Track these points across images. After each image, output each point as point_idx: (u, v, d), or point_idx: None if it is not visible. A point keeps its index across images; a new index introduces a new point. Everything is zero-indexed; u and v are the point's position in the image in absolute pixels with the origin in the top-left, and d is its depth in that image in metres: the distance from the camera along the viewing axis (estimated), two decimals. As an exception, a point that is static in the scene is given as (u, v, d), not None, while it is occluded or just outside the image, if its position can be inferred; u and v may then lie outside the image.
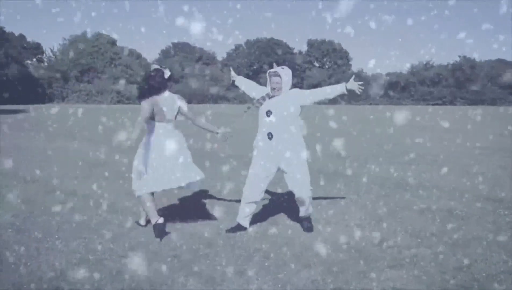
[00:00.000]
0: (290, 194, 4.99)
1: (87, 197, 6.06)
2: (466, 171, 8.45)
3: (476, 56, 71.94)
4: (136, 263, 3.77)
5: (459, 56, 66.90)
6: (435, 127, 19.71)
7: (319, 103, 4.82)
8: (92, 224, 4.92)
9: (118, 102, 55.54)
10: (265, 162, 4.71)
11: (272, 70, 4.78)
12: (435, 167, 8.94)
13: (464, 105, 58.09)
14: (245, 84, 5.30)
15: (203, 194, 6.37)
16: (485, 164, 9.30)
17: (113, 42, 66.34)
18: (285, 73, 4.75)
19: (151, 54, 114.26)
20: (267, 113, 4.69)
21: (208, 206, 5.80)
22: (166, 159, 4.65)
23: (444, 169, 8.06)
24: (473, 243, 4.37)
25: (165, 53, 75.73)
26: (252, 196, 4.78)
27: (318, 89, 4.87)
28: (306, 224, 4.89)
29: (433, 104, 59.29)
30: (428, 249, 4.20)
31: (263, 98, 4.80)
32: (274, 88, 4.71)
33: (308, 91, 4.89)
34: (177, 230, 4.74)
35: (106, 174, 7.57)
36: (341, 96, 4.79)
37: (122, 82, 56.37)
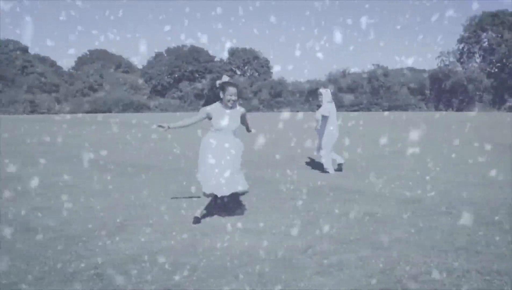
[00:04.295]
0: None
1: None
2: (382, 174, 8.78)
3: (389, 64, 75.76)
4: (54, 285, 3.53)
5: (373, 64, 70.14)
6: (353, 132, 20.43)
7: None
8: (2, 244, 4.56)
9: (32, 112, 52.82)
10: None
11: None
12: (354, 171, 9.22)
13: (379, 110, 60.85)
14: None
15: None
16: (399, 167, 9.73)
17: (24, 50, 63.15)
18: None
19: (66, 61, 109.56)
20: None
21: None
22: (215, 166, 5.28)
23: (363, 173, 8.32)
24: (395, 245, 4.51)
25: (81, 61, 73.00)
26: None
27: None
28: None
29: (351, 111, 61.60)
30: (353, 254, 4.28)
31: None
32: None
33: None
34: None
35: (19, 188, 7.10)
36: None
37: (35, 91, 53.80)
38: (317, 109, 9.36)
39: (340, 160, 9.49)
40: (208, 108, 5.48)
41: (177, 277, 3.73)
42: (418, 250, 4.36)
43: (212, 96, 5.48)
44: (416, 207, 6.12)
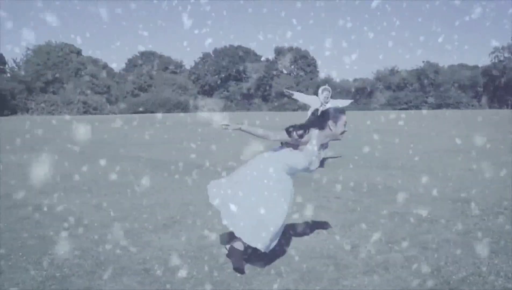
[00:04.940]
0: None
1: (53, 211, 5.89)
2: (432, 173, 8.58)
3: (440, 61, 73.78)
4: (105, 278, 3.67)
5: (423, 62, 68.48)
6: (402, 131, 20.04)
7: None
8: (58, 239, 4.77)
9: (85, 112, 54.70)
10: None
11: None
12: (402, 171, 9.06)
13: (429, 109, 59.32)
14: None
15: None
16: (450, 167, 9.48)
17: (78, 52, 65.43)
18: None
19: (117, 63, 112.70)
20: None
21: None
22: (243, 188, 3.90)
23: (412, 173, 8.16)
24: (443, 246, 4.41)
25: (132, 62, 75.02)
26: None
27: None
28: None
29: (399, 109, 60.38)
30: (399, 254, 4.22)
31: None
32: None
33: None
34: (146, 245, 4.64)
35: (73, 187, 7.39)
36: None
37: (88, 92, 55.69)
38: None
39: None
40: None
41: (222, 274, 3.79)
42: (467, 252, 4.25)
43: (316, 120, 4.08)
44: (466, 207, 5.96)
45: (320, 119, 4.03)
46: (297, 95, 9.63)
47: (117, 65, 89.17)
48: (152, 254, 4.29)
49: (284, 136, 3.97)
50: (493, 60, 67.15)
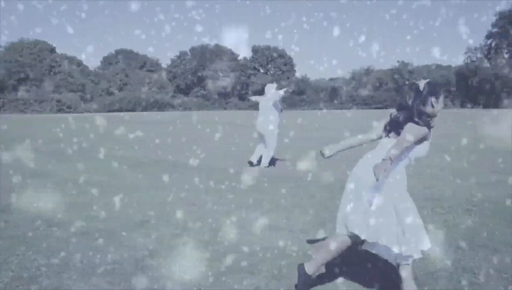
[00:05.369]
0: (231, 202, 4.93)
1: (22, 210, 5.78)
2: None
3: (414, 61, 74.88)
4: (74, 278, 3.63)
5: (398, 61, 69.39)
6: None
7: None
8: (27, 239, 4.69)
9: (59, 111, 53.84)
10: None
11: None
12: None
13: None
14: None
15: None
16: (423, 165, 9.62)
17: (51, 50, 64.30)
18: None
19: (92, 61, 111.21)
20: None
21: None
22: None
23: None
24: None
25: (107, 60, 74.14)
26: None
27: None
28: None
29: (375, 108, 61.06)
30: (369, 251, 4.27)
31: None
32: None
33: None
34: (115, 243, 4.60)
35: (43, 186, 7.28)
36: None
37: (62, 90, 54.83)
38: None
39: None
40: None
41: (193, 273, 3.79)
42: (435, 248, 4.33)
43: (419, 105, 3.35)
44: (436, 204, 6.07)
45: (418, 99, 3.34)
46: (254, 98, 11.03)
47: (92, 63, 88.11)
48: (122, 253, 4.26)
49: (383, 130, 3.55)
50: (466, 61, 68.48)
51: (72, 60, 65.74)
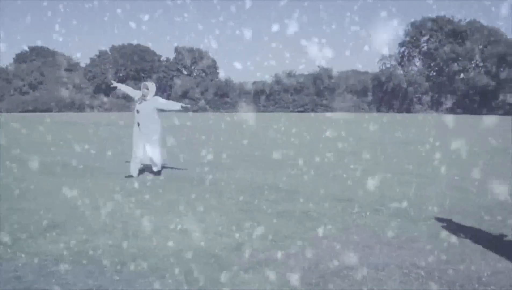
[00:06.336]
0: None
1: None
2: (321, 174, 8.97)
3: (334, 66, 77.49)
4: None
5: (318, 67, 71.46)
6: (298, 133, 20.74)
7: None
8: None
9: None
10: (137, 138, 8.41)
11: (145, 84, 8.48)
12: (294, 171, 9.37)
13: (324, 112, 62.03)
14: (125, 88, 9.45)
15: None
16: (338, 167, 9.97)
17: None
18: (151, 86, 8.51)
19: (4, 58, 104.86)
20: (137, 111, 8.35)
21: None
22: None
23: (301, 172, 8.46)
24: (323, 242, 4.63)
25: (20, 58, 70.20)
26: (137, 154, 8.38)
27: (166, 101, 8.95)
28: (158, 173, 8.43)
29: (296, 111, 62.51)
30: (282, 251, 4.35)
31: (139, 100, 8.40)
32: (144, 96, 8.31)
33: (162, 100, 8.73)
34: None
35: None
36: None
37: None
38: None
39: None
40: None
41: (103, 278, 3.67)
42: (345, 246, 4.49)
43: None
44: (347, 205, 6.29)
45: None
46: (121, 86, 9.52)
47: (4, 61, 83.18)
48: (26, 260, 4.04)
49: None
50: (381, 67, 71.86)
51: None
